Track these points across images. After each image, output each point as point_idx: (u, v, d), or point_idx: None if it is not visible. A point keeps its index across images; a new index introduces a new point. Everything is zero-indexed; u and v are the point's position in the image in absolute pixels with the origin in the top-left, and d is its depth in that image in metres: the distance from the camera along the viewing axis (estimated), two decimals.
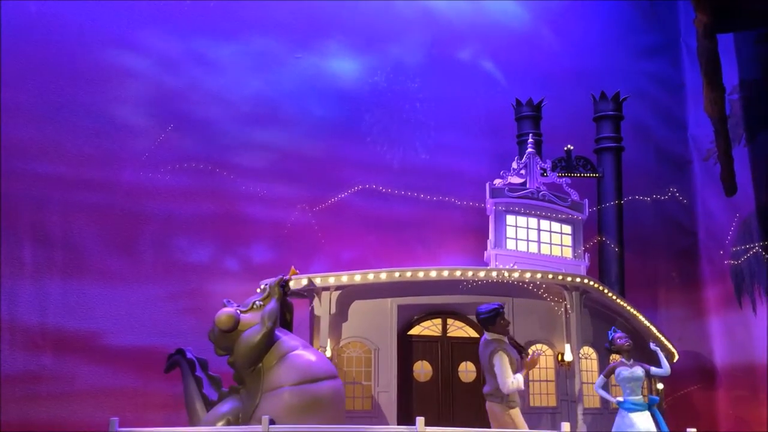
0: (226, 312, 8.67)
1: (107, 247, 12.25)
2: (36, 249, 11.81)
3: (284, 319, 9.13)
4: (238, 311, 8.74)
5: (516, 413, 8.27)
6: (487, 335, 8.34)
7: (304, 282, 9.69)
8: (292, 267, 9.35)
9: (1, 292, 11.43)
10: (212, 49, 13.73)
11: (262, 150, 13.74)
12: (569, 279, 10.27)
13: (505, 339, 8.38)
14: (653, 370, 9.15)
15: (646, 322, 11.60)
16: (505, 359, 8.10)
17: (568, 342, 10.20)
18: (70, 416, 11.47)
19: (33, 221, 11.86)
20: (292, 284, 9.61)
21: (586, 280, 10.40)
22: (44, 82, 12.31)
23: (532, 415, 9.81)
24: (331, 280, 9.79)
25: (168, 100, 13.20)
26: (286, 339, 8.81)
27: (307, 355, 8.72)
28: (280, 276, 9.09)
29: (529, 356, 8.54)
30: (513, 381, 8.04)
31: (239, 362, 8.61)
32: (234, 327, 8.62)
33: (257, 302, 8.87)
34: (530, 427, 8.99)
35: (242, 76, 13.86)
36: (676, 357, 12.86)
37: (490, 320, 8.30)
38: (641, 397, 9.02)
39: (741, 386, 14.43)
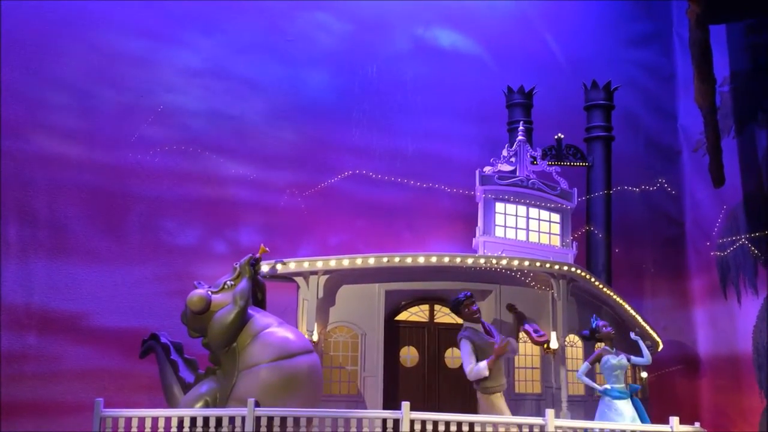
0: (197, 294, 8.62)
1: (94, 227, 12.19)
2: (22, 228, 11.74)
3: (255, 297, 9.09)
4: (209, 292, 8.69)
5: (496, 398, 8.47)
6: (464, 323, 8.86)
7: (292, 266, 9.66)
8: (262, 245, 9.25)
9: None
10: (202, 32, 13.62)
11: (252, 134, 13.68)
12: (556, 267, 10.29)
13: (478, 326, 8.83)
14: (634, 359, 9.22)
15: (632, 311, 11.67)
16: (467, 347, 8.61)
17: (554, 330, 10.25)
18: (55, 396, 11.46)
19: (19, 200, 11.78)
20: (279, 268, 9.58)
21: (573, 269, 10.43)
22: (33, 61, 12.19)
23: (517, 402, 9.87)
24: (319, 264, 9.76)
25: (158, 82, 13.11)
26: (259, 317, 8.77)
27: (282, 332, 8.68)
28: (250, 255, 9.04)
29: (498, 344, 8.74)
30: (472, 368, 8.54)
31: (213, 343, 8.58)
32: (206, 308, 8.58)
33: (228, 282, 8.83)
34: (514, 414, 9.09)
35: (232, 59, 13.76)
36: (661, 346, 12.95)
37: (454, 309, 9.01)
38: (624, 385, 9.10)
39: (724, 376, 14.57)
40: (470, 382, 8.84)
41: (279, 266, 9.59)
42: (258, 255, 9.10)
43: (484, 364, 8.57)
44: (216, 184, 13.21)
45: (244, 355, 8.48)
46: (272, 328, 8.67)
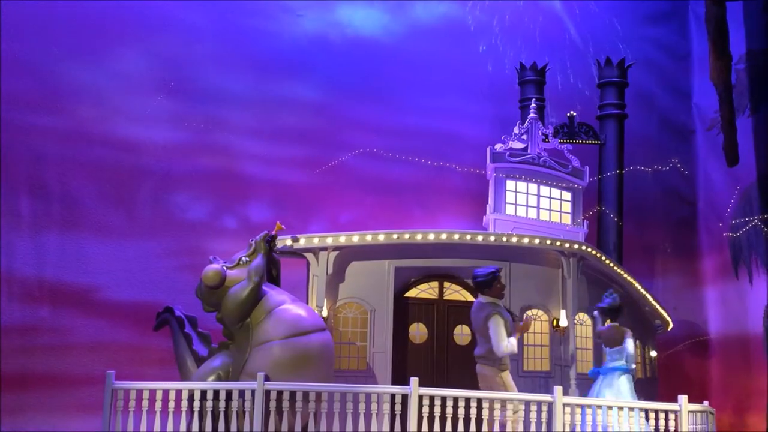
0: (212, 268, 8.62)
1: (105, 201, 12.25)
2: (34, 202, 11.80)
3: (270, 274, 9.11)
4: (225, 267, 8.71)
5: (506, 375, 8.36)
6: (482, 298, 8.42)
7: (303, 242, 9.68)
8: (278, 222, 9.25)
9: None
10: (213, 6, 13.54)
11: (264, 110, 13.65)
12: (567, 245, 10.26)
13: (500, 303, 8.46)
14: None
15: (642, 290, 11.64)
16: (501, 322, 8.16)
17: (563, 308, 10.23)
18: (67, 369, 11.59)
19: (31, 174, 11.83)
20: (290, 244, 9.59)
21: (583, 247, 10.40)
22: (44, 35, 12.17)
23: (526, 379, 9.89)
24: (329, 241, 9.78)
25: (169, 57, 13.07)
26: (273, 294, 8.79)
27: (295, 309, 8.68)
28: (266, 231, 9.04)
29: (522, 321, 8.64)
30: (507, 344, 8.12)
31: (227, 318, 8.62)
32: (221, 283, 8.59)
33: (243, 258, 8.83)
34: (523, 391, 9.10)
35: (244, 33, 13.70)
36: (671, 326, 12.93)
37: (487, 284, 8.37)
38: (623, 361, 9.07)
39: (734, 356, 14.55)
40: (474, 358, 8.81)
41: (289, 242, 9.61)
42: (274, 232, 9.11)
43: (515, 340, 8.26)
44: (227, 160, 13.22)
45: (258, 331, 8.50)
46: (286, 306, 8.68)
